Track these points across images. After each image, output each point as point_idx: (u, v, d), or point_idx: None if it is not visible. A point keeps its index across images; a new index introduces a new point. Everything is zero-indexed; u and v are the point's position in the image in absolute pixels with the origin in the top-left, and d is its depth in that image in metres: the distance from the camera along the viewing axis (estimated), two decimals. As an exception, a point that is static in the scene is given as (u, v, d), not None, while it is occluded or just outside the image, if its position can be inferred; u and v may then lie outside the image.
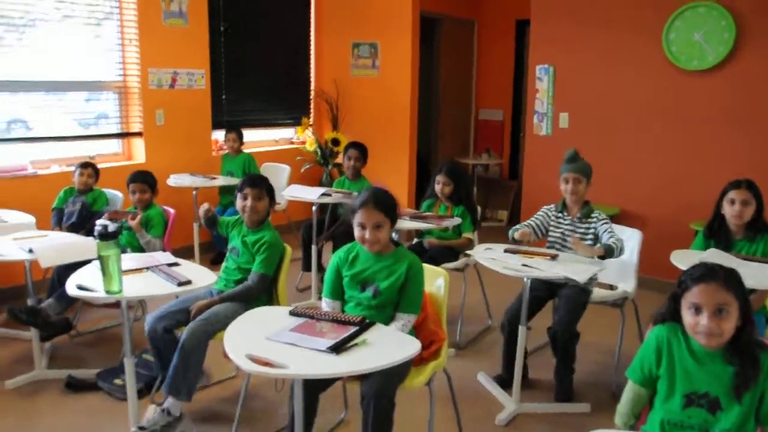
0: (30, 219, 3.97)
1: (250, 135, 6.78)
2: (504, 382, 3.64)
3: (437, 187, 4.44)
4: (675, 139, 5.40)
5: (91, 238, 3.46)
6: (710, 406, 1.95)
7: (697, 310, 1.93)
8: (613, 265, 3.83)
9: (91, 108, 5.36)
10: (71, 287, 2.58)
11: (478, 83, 8.70)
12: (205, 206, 3.43)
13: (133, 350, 2.82)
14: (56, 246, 3.31)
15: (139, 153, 5.58)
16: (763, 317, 3.34)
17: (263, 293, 3.21)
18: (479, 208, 4.58)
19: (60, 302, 3.62)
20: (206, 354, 2.97)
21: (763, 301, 3.34)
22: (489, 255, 3.39)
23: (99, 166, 4.62)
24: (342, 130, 7.21)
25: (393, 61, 6.94)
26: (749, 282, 2.12)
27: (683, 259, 3.27)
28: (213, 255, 5.79)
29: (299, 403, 2.17)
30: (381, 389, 2.40)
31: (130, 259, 2.96)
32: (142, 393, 3.24)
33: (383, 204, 2.66)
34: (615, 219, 5.49)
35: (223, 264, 3.36)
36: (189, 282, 2.69)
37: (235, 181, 5.54)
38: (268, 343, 2.15)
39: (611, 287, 4.07)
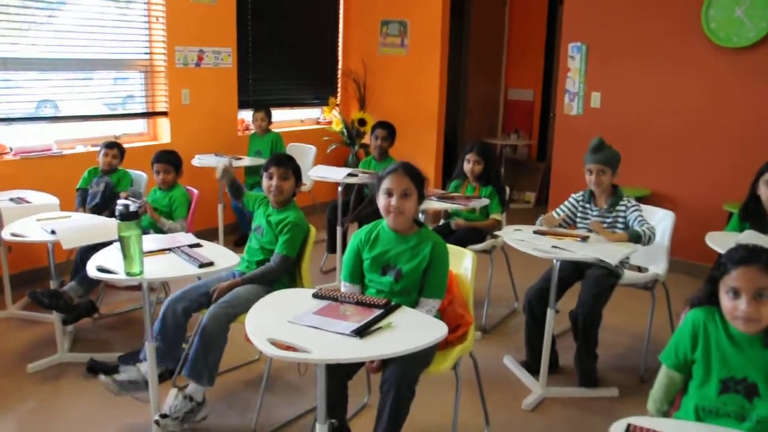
0: (53, 200, 3.96)
1: (276, 115, 6.71)
2: (530, 366, 3.57)
3: (467, 166, 4.35)
4: (710, 119, 5.23)
5: (113, 219, 3.44)
6: (747, 392, 1.86)
7: (736, 294, 1.85)
8: (644, 247, 3.72)
9: (118, 87, 5.34)
10: (91, 269, 2.55)
11: (508, 62, 8.54)
12: (223, 162, 3.37)
13: (164, 340, 2.80)
14: (79, 227, 3.29)
15: (164, 133, 5.56)
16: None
17: (285, 275, 3.15)
18: (507, 189, 4.48)
19: (82, 285, 3.60)
20: (228, 338, 2.92)
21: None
22: (518, 236, 3.30)
23: (124, 146, 4.59)
24: (369, 110, 7.13)
25: (422, 40, 6.82)
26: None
27: (718, 241, 3.18)
28: (236, 237, 5.77)
29: (321, 388, 2.12)
30: (403, 376, 2.32)
31: (152, 240, 2.92)
32: (163, 377, 3.22)
33: (413, 172, 2.57)
34: (646, 200, 5.36)
35: (247, 244, 3.31)
36: (211, 263, 2.64)
37: (262, 161, 5.49)
38: (291, 327, 2.09)
39: (639, 269, 3.97)
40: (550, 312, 3.28)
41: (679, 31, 5.26)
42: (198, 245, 2.90)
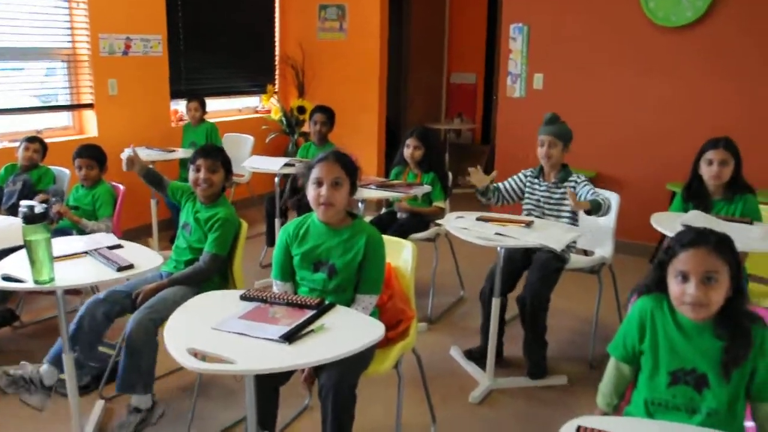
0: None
1: (212, 104, 6.46)
2: (475, 356, 3.48)
3: (407, 152, 4.22)
4: (652, 99, 5.23)
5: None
6: (697, 383, 1.78)
7: (684, 277, 1.76)
8: (590, 229, 3.67)
9: (38, 78, 5.01)
10: (-3, 278, 2.32)
11: (450, 45, 8.45)
12: (128, 152, 3.20)
13: (77, 342, 2.59)
14: (-8, 230, 3.03)
15: (91, 126, 5.25)
16: (745, 281, 3.20)
17: (216, 275, 2.97)
18: (450, 175, 4.37)
19: None
20: (158, 343, 2.73)
21: (744, 263, 3.20)
22: (460, 224, 3.19)
23: (47, 140, 4.30)
24: (308, 97, 6.93)
25: (361, 23, 6.65)
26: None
27: (663, 222, 3.14)
28: (172, 233, 5.51)
29: (251, 400, 1.96)
30: (341, 380, 2.17)
31: (67, 243, 2.69)
32: (89, 387, 3.01)
33: (344, 160, 2.39)
34: (591, 182, 5.32)
35: (174, 243, 3.11)
36: (131, 266, 2.43)
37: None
38: (214, 334, 1.93)
39: (585, 252, 3.92)
40: (495, 301, 3.19)
41: (619, 11, 5.23)
42: (119, 246, 2.69)
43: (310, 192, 2.40)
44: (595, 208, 3.18)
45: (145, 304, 2.74)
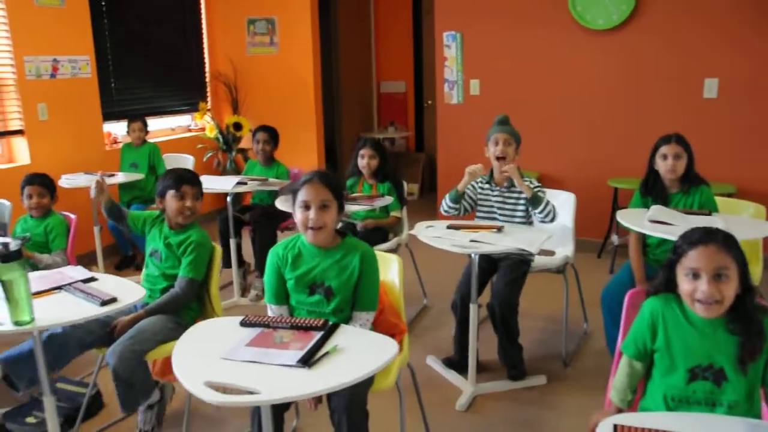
0: None
1: (144, 125, 6.27)
2: (454, 364, 3.48)
3: (361, 162, 4.19)
4: (588, 99, 5.41)
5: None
6: (715, 377, 1.83)
7: (695, 275, 1.81)
8: (551, 230, 3.75)
9: (-40, 106, 4.72)
10: (-30, 322, 2.15)
11: (377, 56, 8.49)
12: (96, 179, 3.06)
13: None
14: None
15: (22, 153, 4.97)
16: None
17: (194, 300, 2.86)
18: (405, 184, 4.38)
19: None
20: (146, 365, 2.64)
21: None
22: (432, 233, 3.20)
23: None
24: (243, 113, 6.82)
25: (292, 37, 6.61)
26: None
27: (628, 218, 3.22)
28: (118, 260, 5.30)
29: (269, 429, 1.89)
30: (353, 401, 2.14)
31: (35, 279, 2.51)
32: (63, 429, 2.83)
33: (331, 181, 2.33)
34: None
35: (144, 271, 2.97)
36: (114, 299, 2.30)
37: (138, 175, 5.07)
38: (226, 364, 1.85)
39: (545, 252, 4.00)
40: (472, 307, 3.20)
41: (549, 15, 5.39)
42: (92, 279, 2.54)
43: (298, 215, 2.33)
44: (536, 200, 3.26)
45: (123, 335, 2.61)
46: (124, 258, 5.30)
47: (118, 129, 5.89)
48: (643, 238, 3.38)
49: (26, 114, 4.91)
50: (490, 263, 3.52)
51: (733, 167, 4.97)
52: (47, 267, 3.30)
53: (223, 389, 1.72)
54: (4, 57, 4.81)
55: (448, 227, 3.29)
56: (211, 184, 4.44)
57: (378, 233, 4.13)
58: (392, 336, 2.54)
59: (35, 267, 3.33)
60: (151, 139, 5.88)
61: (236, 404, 1.68)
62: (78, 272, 2.62)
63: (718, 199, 3.49)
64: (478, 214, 3.55)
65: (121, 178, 4.90)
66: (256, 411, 2.24)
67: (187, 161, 5.70)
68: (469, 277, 3.21)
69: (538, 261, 3.63)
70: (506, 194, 3.46)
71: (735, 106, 4.93)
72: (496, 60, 5.69)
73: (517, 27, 5.54)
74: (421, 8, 8.01)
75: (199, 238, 2.85)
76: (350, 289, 2.37)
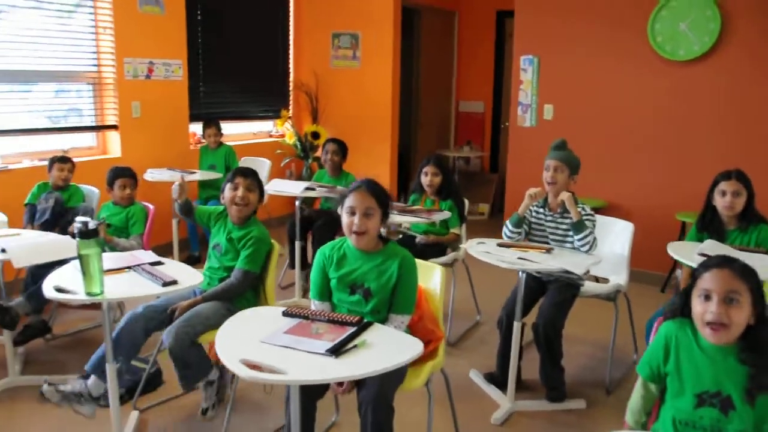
0: (2, 217, 3.77)
1: (227, 128, 6.60)
2: (495, 379, 3.55)
3: (425, 179, 4.30)
4: (661, 130, 5.36)
5: (66, 237, 3.30)
6: (722, 405, 1.86)
7: (707, 297, 1.85)
8: (606, 257, 3.77)
9: (65, 100, 5.15)
10: (49, 289, 2.42)
11: (458, 75, 8.62)
12: (178, 181, 3.27)
13: (116, 354, 2.68)
14: (30, 245, 3.11)
15: (114, 147, 5.38)
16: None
17: (250, 292, 3.07)
18: (467, 202, 4.48)
19: (30, 302, 3.46)
20: (200, 347, 2.87)
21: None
22: (483, 249, 3.29)
23: (73, 160, 4.42)
24: (322, 123, 7.08)
25: (374, 52, 6.82)
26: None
27: (680, 251, 3.23)
28: (185, 256, 5.59)
29: (296, 410, 2.05)
30: (380, 394, 2.28)
31: (110, 259, 2.79)
32: (123, 399, 3.09)
33: (376, 190, 2.51)
34: (602, 211, 5.44)
35: (206, 263, 3.21)
36: (174, 282, 2.53)
37: (216, 174, 5.38)
38: (263, 347, 2.02)
39: (597, 280, 4.02)
40: (516, 325, 3.27)
41: (628, 44, 5.38)
42: (159, 263, 2.79)
43: (344, 219, 2.51)
44: (580, 226, 3.28)
45: (179, 318, 2.84)
46: (189, 257, 5.57)
47: (201, 130, 6.24)
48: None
49: (121, 111, 5.32)
50: (539, 284, 3.57)
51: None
52: (124, 250, 3.60)
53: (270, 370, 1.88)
54: (106, 58, 5.23)
55: (499, 245, 3.38)
56: (282, 187, 4.70)
57: (435, 247, 4.24)
58: (429, 342, 2.69)
59: (113, 250, 3.64)
60: (232, 142, 6.22)
61: (263, 381, 1.84)
62: (148, 256, 2.88)
63: (778, 239, 3.43)
64: (532, 237, 3.59)
65: (199, 176, 5.23)
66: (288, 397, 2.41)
67: (264, 165, 5.98)
68: (516, 295, 3.29)
69: (589, 287, 3.66)
70: (559, 220, 3.48)
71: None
72: (571, 86, 5.73)
73: (594, 55, 5.56)
74: (504, 31, 8.10)
75: (259, 234, 3.06)
76: (388, 292, 2.51)
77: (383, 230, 2.61)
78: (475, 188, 8.20)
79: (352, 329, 2.17)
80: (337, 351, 1.99)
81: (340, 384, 2.42)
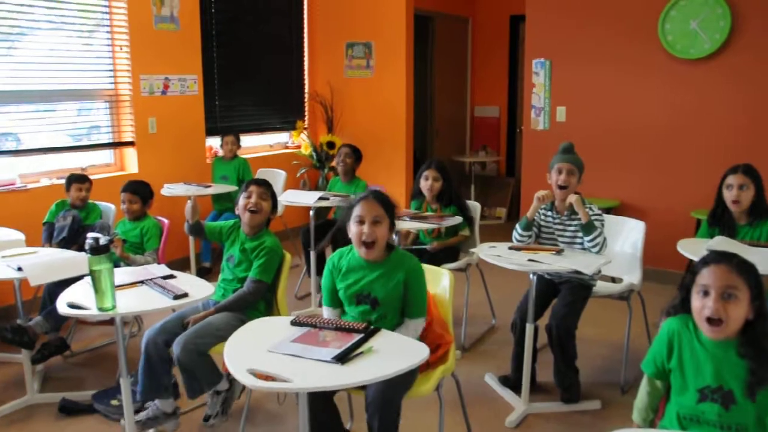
0: (19, 236, 3.83)
1: (244, 141, 6.67)
2: (510, 382, 3.56)
3: (424, 184, 4.25)
4: (674, 128, 5.33)
5: (82, 254, 3.36)
6: (724, 400, 1.87)
7: (705, 292, 1.87)
8: (618, 257, 3.76)
9: (83, 118, 5.26)
10: (62, 305, 2.48)
11: (473, 80, 8.63)
12: (191, 202, 3.32)
13: (130, 369, 2.74)
14: (46, 263, 3.18)
15: (131, 163, 5.48)
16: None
17: (262, 302, 3.11)
18: (479, 206, 4.48)
19: (48, 320, 3.51)
20: (208, 360, 2.90)
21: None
22: (493, 252, 3.31)
23: (91, 177, 4.51)
24: (337, 133, 7.13)
25: (387, 61, 6.87)
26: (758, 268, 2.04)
27: (689, 248, 3.23)
28: (197, 268, 5.62)
29: (304, 417, 2.09)
30: (386, 399, 2.31)
31: (123, 273, 2.85)
32: (139, 412, 3.14)
33: (383, 199, 2.55)
34: (616, 211, 5.43)
35: (220, 274, 3.26)
36: (185, 295, 2.59)
37: (230, 187, 5.44)
38: (270, 356, 2.06)
39: (613, 280, 4.01)
40: (529, 327, 3.28)
41: (639, 44, 5.37)
42: (171, 276, 2.84)
43: (353, 229, 2.53)
44: (590, 228, 3.26)
45: (190, 329, 2.89)
46: (201, 268, 5.57)
47: (218, 143, 6.32)
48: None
49: (138, 127, 5.41)
50: (551, 286, 3.58)
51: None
52: (140, 266, 3.64)
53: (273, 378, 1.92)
54: (123, 75, 5.33)
55: (510, 248, 3.39)
56: (295, 197, 4.75)
57: (447, 252, 4.25)
58: (438, 346, 2.71)
59: (128, 266, 3.69)
60: (249, 155, 6.30)
61: (269, 389, 1.88)
62: (160, 270, 2.93)
63: (792, 234, 3.40)
64: (541, 240, 3.58)
65: (214, 189, 5.30)
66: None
67: (279, 176, 6.04)
68: (529, 298, 3.30)
69: (601, 287, 3.66)
70: (566, 222, 3.47)
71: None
72: (583, 88, 5.72)
73: (605, 55, 5.55)
74: (518, 36, 8.11)
75: (271, 244, 3.10)
76: (395, 300, 2.54)
77: (394, 236, 2.64)
78: (491, 192, 8.21)
79: (359, 336, 2.20)
80: (343, 358, 2.02)
81: None
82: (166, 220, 4.07)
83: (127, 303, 2.51)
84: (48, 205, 4.33)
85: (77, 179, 4.26)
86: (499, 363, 3.85)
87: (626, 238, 3.84)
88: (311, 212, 4.72)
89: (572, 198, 3.35)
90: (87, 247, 2.38)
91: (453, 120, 8.51)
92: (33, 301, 4.12)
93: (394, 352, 2.11)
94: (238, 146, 5.90)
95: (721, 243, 3.12)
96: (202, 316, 2.95)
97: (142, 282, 2.75)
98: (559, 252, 3.30)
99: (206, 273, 5.52)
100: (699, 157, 5.23)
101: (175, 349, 2.79)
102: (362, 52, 7.06)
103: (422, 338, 2.65)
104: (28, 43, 4.76)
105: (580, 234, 3.40)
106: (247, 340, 2.22)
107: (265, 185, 3.17)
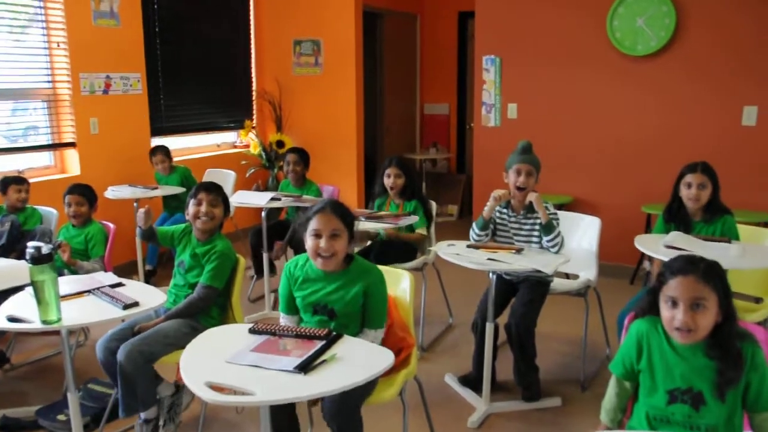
0: (-47, 243, 3.65)
1: (191, 140, 6.52)
2: (472, 381, 3.53)
3: (387, 181, 4.25)
4: (624, 124, 5.41)
5: (22, 262, 3.18)
6: (694, 401, 1.87)
7: (674, 303, 1.86)
8: (574, 254, 3.77)
9: (18, 118, 5.01)
10: (1, 319, 2.33)
11: (422, 77, 8.61)
12: (144, 209, 3.17)
13: (77, 382, 2.59)
14: (-16, 272, 3.02)
15: (73, 165, 5.25)
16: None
17: (215, 308, 3.00)
18: (434, 204, 4.45)
19: None
20: (152, 371, 2.78)
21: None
22: (452, 251, 3.26)
23: (29, 180, 4.30)
24: (286, 131, 7.01)
25: (336, 58, 6.78)
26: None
27: (646, 243, 3.25)
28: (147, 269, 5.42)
29: (267, 430, 2.00)
30: (344, 407, 2.23)
31: (68, 283, 2.70)
32: (89, 427, 2.99)
33: (342, 211, 2.43)
34: (569, 207, 5.48)
35: (172, 280, 3.13)
36: (136, 304, 2.46)
37: (177, 189, 5.27)
38: (229, 367, 1.96)
39: (568, 276, 4.02)
40: (488, 326, 3.25)
41: (589, 41, 5.42)
42: (120, 284, 2.71)
43: (309, 243, 2.42)
44: (549, 228, 3.26)
45: (138, 336, 2.76)
46: (146, 272, 5.29)
47: (165, 143, 6.11)
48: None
49: (79, 128, 5.19)
50: (510, 285, 3.56)
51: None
52: (87, 273, 3.48)
53: (233, 391, 1.83)
54: (61, 73, 5.10)
55: (468, 246, 3.36)
56: (246, 199, 4.63)
57: (404, 251, 4.20)
58: (400, 350, 2.65)
59: (74, 272, 3.53)
60: (196, 155, 6.12)
61: (229, 404, 1.79)
62: (107, 278, 2.79)
63: (744, 228, 3.48)
64: (496, 238, 3.57)
65: (161, 191, 5.13)
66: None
67: (229, 177, 5.89)
68: (487, 299, 3.27)
69: (558, 283, 3.66)
70: (522, 220, 3.46)
71: (775, 135, 4.87)
72: (534, 84, 5.75)
73: (555, 52, 5.59)
74: (467, 32, 8.12)
75: (223, 248, 2.99)
76: (354, 311, 2.46)
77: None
78: (443, 190, 8.20)
79: (320, 343, 2.12)
80: (305, 368, 1.94)
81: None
82: (111, 225, 3.90)
83: (74, 314, 2.36)
84: (-18, 211, 4.11)
85: (15, 181, 4.05)
86: (458, 362, 3.82)
87: (582, 234, 3.86)
88: (263, 213, 4.60)
89: (533, 197, 3.33)
90: (28, 257, 2.23)
91: (403, 117, 8.47)
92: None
93: (358, 359, 2.04)
94: (169, 160, 5.58)
95: (677, 238, 3.15)
96: (152, 325, 2.83)
97: (89, 291, 2.61)
98: (519, 251, 3.28)
99: (151, 276, 5.34)
100: (649, 153, 5.31)
101: (119, 356, 2.66)
102: (311, 50, 6.95)
103: (383, 342, 2.58)
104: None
105: (535, 232, 3.40)
106: (204, 351, 2.11)
107: (215, 190, 3.05)
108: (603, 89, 5.44)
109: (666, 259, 3.00)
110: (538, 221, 3.36)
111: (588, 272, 3.78)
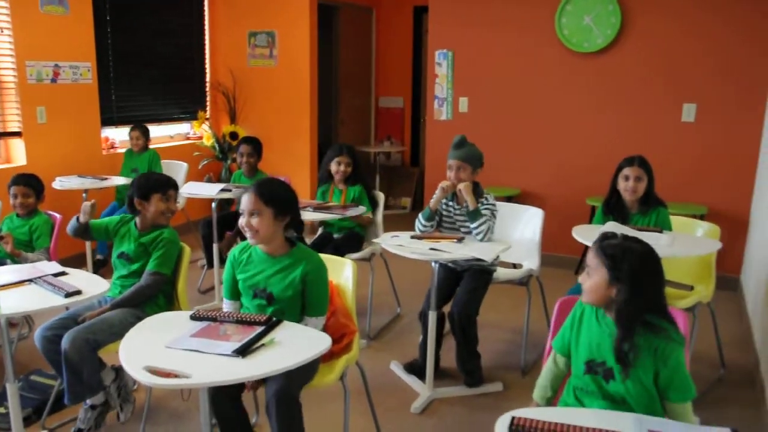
0: None
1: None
2: (417, 369, 3.61)
3: (335, 168, 4.32)
4: (570, 118, 5.55)
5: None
6: (605, 374, 2.00)
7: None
8: (518, 243, 3.88)
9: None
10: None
11: (377, 71, 8.66)
12: (91, 202, 3.16)
13: (17, 373, 2.59)
14: None
15: (19, 155, 5.17)
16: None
17: (161, 296, 3.02)
18: (383, 196, 4.52)
19: None
20: (97, 359, 2.79)
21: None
22: (396, 242, 3.34)
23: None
24: (240, 123, 7.00)
25: (291, 50, 6.78)
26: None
27: (584, 233, 3.37)
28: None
29: (205, 413, 2.04)
30: (282, 391, 2.28)
31: (8, 272, 2.69)
32: (31, 419, 2.98)
33: (265, 191, 2.46)
34: (516, 199, 5.61)
35: (115, 272, 3.12)
36: (78, 292, 2.47)
37: (125, 180, 5.22)
38: (169, 352, 2.00)
39: (514, 266, 4.13)
40: (431, 314, 3.34)
41: (538, 37, 5.54)
42: (63, 273, 2.71)
43: (240, 221, 2.51)
44: (475, 215, 3.36)
45: (83, 324, 2.77)
46: (95, 261, 5.30)
47: (116, 134, 6.07)
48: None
49: (25, 116, 5.11)
50: (455, 274, 3.65)
51: (705, 189, 5.10)
52: (32, 264, 3.45)
53: (175, 375, 1.86)
54: (5, 61, 5.01)
55: (412, 237, 3.43)
56: (197, 189, 4.63)
57: (352, 241, 4.27)
58: (342, 336, 2.72)
59: (17, 263, 3.49)
60: (149, 146, 6.05)
61: (166, 386, 1.83)
62: (50, 267, 2.78)
63: (676, 219, 3.64)
64: (441, 229, 3.65)
65: (114, 181, 5.09)
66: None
67: (181, 168, 5.87)
68: (432, 286, 3.35)
69: (501, 273, 3.77)
70: (465, 211, 3.54)
71: (711, 131, 5.06)
72: (484, 79, 5.85)
73: (506, 47, 5.70)
74: (422, 27, 8.20)
75: (169, 236, 3.01)
76: (292, 297, 2.50)
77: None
78: (396, 182, 8.29)
79: (260, 329, 2.17)
80: (243, 351, 1.99)
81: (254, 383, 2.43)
82: (58, 216, 3.87)
83: (13, 303, 2.37)
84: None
85: None
86: (405, 351, 3.90)
87: (526, 225, 3.97)
88: (213, 204, 4.61)
89: (461, 185, 3.43)
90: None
91: (357, 110, 8.52)
92: None
93: (295, 343, 2.10)
94: (146, 139, 5.67)
95: (612, 228, 3.26)
96: (97, 313, 2.83)
97: (30, 280, 2.61)
98: (460, 240, 3.37)
99: (102, 266, 5.30)
100: (593, 147, 5.47)
101: (64, 343, 2.67)
102: (265, 41, 6.95)
103: (325, 328, 2.64)
104: None
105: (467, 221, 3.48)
106: (144, 337, 2.15)
107: (177, 188, 3.12)
108: (551, 85, 5.57)
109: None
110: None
111: (531, 261, 3.90)
